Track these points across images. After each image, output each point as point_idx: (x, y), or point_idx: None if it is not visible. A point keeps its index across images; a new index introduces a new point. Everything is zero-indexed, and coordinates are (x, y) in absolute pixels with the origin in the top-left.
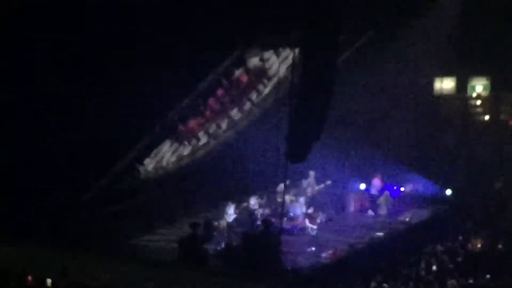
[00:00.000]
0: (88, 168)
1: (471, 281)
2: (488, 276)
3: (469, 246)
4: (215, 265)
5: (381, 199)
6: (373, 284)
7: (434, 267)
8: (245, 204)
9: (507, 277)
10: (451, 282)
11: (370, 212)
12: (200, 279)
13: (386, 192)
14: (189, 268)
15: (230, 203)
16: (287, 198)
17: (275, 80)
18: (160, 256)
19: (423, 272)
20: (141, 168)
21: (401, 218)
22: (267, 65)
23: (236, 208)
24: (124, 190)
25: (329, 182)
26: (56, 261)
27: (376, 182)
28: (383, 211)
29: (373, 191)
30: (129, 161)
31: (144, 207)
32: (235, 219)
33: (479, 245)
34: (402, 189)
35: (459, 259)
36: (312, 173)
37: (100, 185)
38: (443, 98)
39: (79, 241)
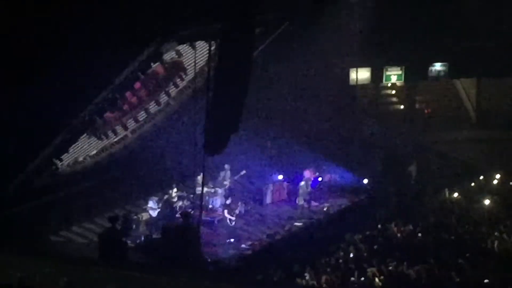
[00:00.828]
0: (4, 165)
1: (390, 268)
2: (405, 262)
3: (387, 233)
4: (132, 261)
5: (300, 189)
6: (292, 273)
7: (352, 255)
8: (166, 197)
9: (425, 263)
10: (371, 269)
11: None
12: (116, 276)
13: (303, 182)
14: (105, 265)
15: (152, 196)
16: (206, 190)
17: (191, 73)
18: (79, 251)
19: (342, 261)
20: (58, 163)
21: (319, 207)
22: (183, 58)
23: (158, 201)
24: (42, 186)
25: (243, 172)
26: None
27: (307, 174)
28: (301, 201)
29: (304, 182)
30: (46, 157)
31: (63, 202)
32: (156, 212)
33: (397, 233)
34: (320, 179)
35: (378, 247)
36: (227, 166)
37: (18, 181)
38: (359, 88)
39: None
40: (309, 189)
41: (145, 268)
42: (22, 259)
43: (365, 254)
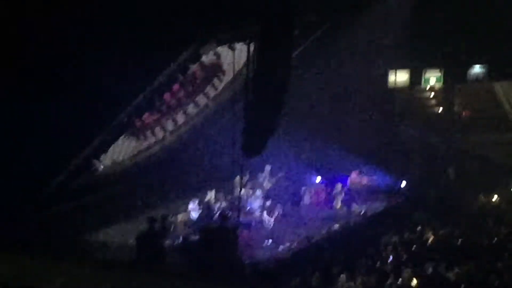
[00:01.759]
0: (44, 166)
1: (428, 271)
2: (444, 265)
3: (425, 236)
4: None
5: (335, 192)
6: (330, 276)
7: (390, 258)
8: (207, 199)
9: (463, 266)
10: (407, 271)
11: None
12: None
13: (339, 184)
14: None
15: (193, 198)
16: (244, 191)
17: (230, 75)
18: (117, 253)
19: (379, 264)
20: (97, 164)
21: (357, 210)
22: (222, 60)
23: (199, 203)
24: (81, 187)
25: (281, 174)
26: (12, 264)
27: (354, 176)
28: (337, 204)
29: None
30: (85, 158)
31: (101, 203)
32: (194, 214)
33: (435, 236)
34: (358, 181)
35: (416, 250)
36: (268, 168)
37: (57, 182)
38: (397, 90)
39: (36, 240)
40: (344, 191)
41: (183, 275)
42: (63, 263)
43: (402, 257)
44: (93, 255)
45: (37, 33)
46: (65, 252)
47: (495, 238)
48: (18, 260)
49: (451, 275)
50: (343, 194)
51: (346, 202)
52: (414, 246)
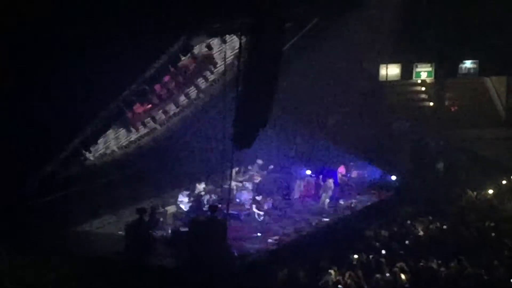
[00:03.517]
0: (34, 156)
1: (418, 264)
2: (435, 259)
3: (414, 230)
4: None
5: (325, 186)
6: (318, 269)
7: (379, 252)
8: (196, 191)
9: (452, 260)
10: (400, 265)
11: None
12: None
13: (330, 180)
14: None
15: (183, 190)
16: (234, 184)
17: (221, 67)
18: (107, 244)
19: (367, 258)
20: (87, 155)
21: (347, 203)
22: (213, 51)
23: (189, 195)
24: (70, 177)
25: (271, 167)
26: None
27: (341, 170)
28: (325, 197)
29: (338, 179)
30: (74, 148)
31: (91, 194)
32: (184, 206)
33: (424, 230)
34: (348, 175)
35: (404, 244)
36: (258, 161)
37: (46, 172)
38: (388, 84)
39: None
40: (333, 186)
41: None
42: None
43: (391, 251)
44: (83, 247)
45: (26, 24)
46: (55, 246)
47: (484, 233)
48: (9, 256)
49: (440, 269)
50: (330, 191)
51: (333, 197)
52: (403, 240)
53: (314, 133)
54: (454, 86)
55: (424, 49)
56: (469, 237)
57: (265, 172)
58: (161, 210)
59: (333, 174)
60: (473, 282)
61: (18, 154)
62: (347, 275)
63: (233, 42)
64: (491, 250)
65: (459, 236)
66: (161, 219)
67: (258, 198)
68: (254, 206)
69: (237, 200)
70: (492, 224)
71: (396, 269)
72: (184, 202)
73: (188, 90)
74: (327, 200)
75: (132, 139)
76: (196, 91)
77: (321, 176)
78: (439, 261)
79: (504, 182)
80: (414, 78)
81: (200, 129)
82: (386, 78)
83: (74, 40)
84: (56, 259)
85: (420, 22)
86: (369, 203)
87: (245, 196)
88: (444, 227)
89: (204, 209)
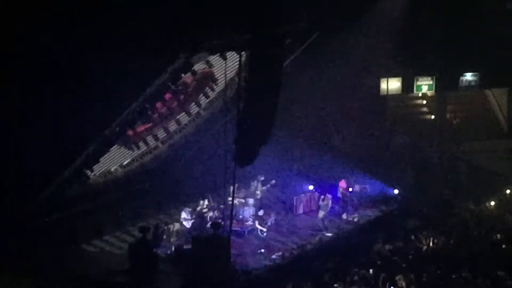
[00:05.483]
0: (36, 175)
1: (423, 278)
2: (438, 272)
3: (419, 244)
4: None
5: (323, 202)
6: (322, 285)
7: (383, 267)
8: (199, 208)
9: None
10: (399, 277)
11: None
12: None
13: (328, 195)
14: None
15: (185, 207)
16: (236, 200)
17: (222, 83)
18: (110, 261)
19: (371, 271)
20: (89, 174)
21: (349, 217)
22: (214, 68)
23: (192, 212)
24: (74, 196)
25: (273, 182)
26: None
27: (343, 185)
28: (322, 213)
29: (339, 193)
30: (77, 167)
31: (94, 212)
32: (187, 223)
33: (428, 243)
34: (350, 189)
35: (409, 258)
36: (260, 177)
37: (49, 191)
38: (390, 98)
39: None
40: (330, 201)
41: None
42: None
43: (395, 265)
44: (86, 266)
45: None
46: (59, 265)
47: (489, 245)
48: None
49: (445, 283)
50: (328, 207)
51: (336, 211)
52: (407, 254)
53: (315, 147)
54: (455, 98)
55: (424, 63)
56: (474, 249)
57: (267, 188)
58: (164, 228)
59: (334, 188)
60: None
61: (22, 174)
62: None
63: (234, 58)
64: (497, 262)
65: (464, 248)
66: (164, 237)
67: (261, 214)
68: (257, 222)
69: (240, 216)
70: (498, 236)
71: (400, 282)
72: (187, 219)
73: (189, 107)
74: (324, 215)
75: (134, 157)
76: (197, 108)
77: (323, 191)
78: (444, 274)
79: (507, 193)
80: (415, 91)
81: (202, 146)
82: (387, 92)
83: (75, 60)
84: (59, 278)
85: (420, 35)
86: (371, 217)
87: (248, 212)
88: (449, 240)
89: (207, 226)
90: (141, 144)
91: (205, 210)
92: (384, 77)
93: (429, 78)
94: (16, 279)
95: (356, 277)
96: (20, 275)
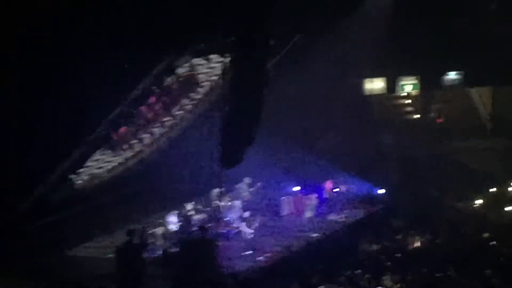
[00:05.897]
0: (20, 181)
1: (408, 277)
2: (425, 271)
3: (405, 243)
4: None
5: (310, 203)
6: (311, 285)
7: (370, 267)
8: (185, 211)
9: (444, 273)
10: (386, 278)
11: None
12: None
13: (313, 195)
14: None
15: (172, 210)
16: (222, 203)
17: (206, 86)
18: (97, 266)
19: (359, 272)
20: (75, 178)
21: (336, 218)
22: (198, 71)
23: (179, 215)
24: (58, 201)
25: (259, 184)
26: None
27: (329, 185)
28: (309, 214)
29: (325, 194)
30: (62, 172)
31: (80, 217)
32: (173, 226)
33: (415, 242)
34: (336, 189)
35: (396, 258)
36: (247, 179)
37: (34, 197)
38: (374, 98)
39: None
40: (314, 202)
41: None
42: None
43: (382, 265)
44: (73, 271)
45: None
46: (46, 270)
47: (475, 244)
48: None
49: (432, 282)
50: (312, 207)
51: (323, 211)
52: (394, 254)
53: (301, 148)
54: (440, 97)
55: (408, 62)
56: (461, 248)
57: (253, 190)
58: (151, 231)
59: (320, 189)
60: None
61: (7, 179)
62: None
63: (218, 60)
64: (485, 260)
65: (451, 248)
66: (152, 240)
67: (247, 216)
68: (243, 224)
69: (226, 218)
70: (485, 235)
71: (387, 283)
72: (173, 222)
73: (174, 110)
74: (311, 216)
75: (119, 161)
76: (182, 111)
77: (310, 192)
78: (430, 274)
79: (492, 191)
80: (399, 91)
81: (188, 149)
82: (371, 92)
83: (58, 63)
84: (46, 283)
85: (403, 34)
86: (358, 218)
87: (234, 214)
88: (436, 239)
89: (193, 229)
90: (126, 148)
91: (191, 213)
92: (368, 77)
93: (413, 77)
94: (4, 284)
95: (343, 278)
96: (5, 281)
